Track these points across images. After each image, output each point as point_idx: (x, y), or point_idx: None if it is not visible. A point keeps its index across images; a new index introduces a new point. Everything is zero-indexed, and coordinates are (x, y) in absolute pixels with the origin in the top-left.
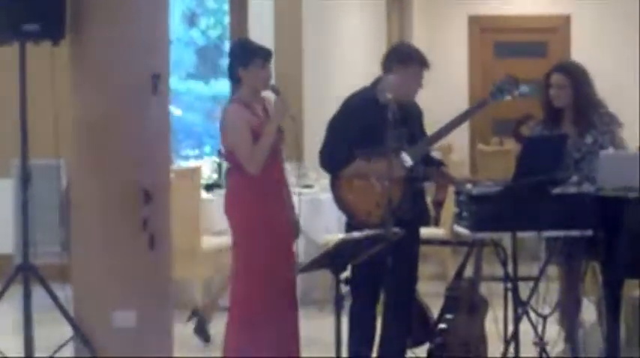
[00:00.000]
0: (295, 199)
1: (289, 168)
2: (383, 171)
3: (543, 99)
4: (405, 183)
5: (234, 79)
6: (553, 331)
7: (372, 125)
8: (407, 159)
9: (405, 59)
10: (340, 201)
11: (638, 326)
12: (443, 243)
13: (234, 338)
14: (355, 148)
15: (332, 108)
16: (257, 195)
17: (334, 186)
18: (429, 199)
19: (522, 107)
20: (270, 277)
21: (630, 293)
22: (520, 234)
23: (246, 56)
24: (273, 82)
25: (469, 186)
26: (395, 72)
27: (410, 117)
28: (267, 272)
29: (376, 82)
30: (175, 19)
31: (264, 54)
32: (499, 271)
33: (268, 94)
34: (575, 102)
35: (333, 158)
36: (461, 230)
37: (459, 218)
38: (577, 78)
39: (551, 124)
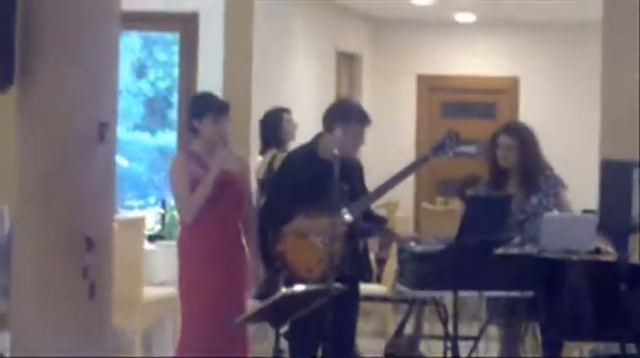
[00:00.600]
0: None
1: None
2: (323, 227)
3: (489, 160)
4: (346, 239)
5: (191, 130)
6: None
7: (313, 181)
8: (347, 215)
9: (346, 116)
10: (281, 258)
11: None
12: (384, 299)
13: None
14: (296, 205)
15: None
16: (193, 249)
17: (275, 243)
18: (371, 256)
19: (469, 167)
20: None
21: (570, 355)
22: (461, 293)
23: (200, 108)
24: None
25: (412, 243)
26: (336, 128)
27: (350, 172)
28: (200, 328)
29: (317, 138)
30: (125, 70)
31: (217, 107)
32: (439, 329)
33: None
34: (522, 164)
35: (275, 216)
36: (402, 287)
37: (400, 275)
38: (524, 139)
39: (497, 185)
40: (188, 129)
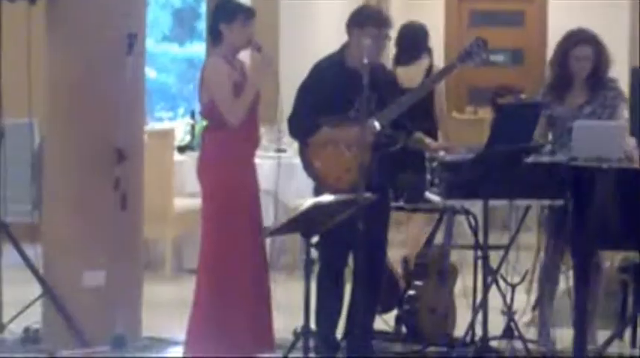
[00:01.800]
0: (270, 163)
1: (264, 130)
2: (350, 137)
3: (558, 65)
4: (374, 148)
5: (216, 36)
6: (521, 300)
7: (340, 91)
8: (375, 125)
9: (361, 22)
10: (309, 168)
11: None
12: (414, 209)
13: (204, 299)
14: (323, 114)
15: (308, 71)
16: (230, 155)
17: (303, 153)
18: None
19: (498, 76)
20: (239, 238)
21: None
22: (492, 203)
23: (229, 13)
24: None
25: (442, 152)
26: (353, 35)
27: (380, 82)
28: (235, 233)
29: (343, 48)
30: None
31: (247, 11)
32: (470, 239)
33: (245, 58)
34: (592, 75)
35: (302, 125)
36: (433, 197)
37: (430, 185)
38: (601, 51)
39: (560, 91)
40: (213, 35)
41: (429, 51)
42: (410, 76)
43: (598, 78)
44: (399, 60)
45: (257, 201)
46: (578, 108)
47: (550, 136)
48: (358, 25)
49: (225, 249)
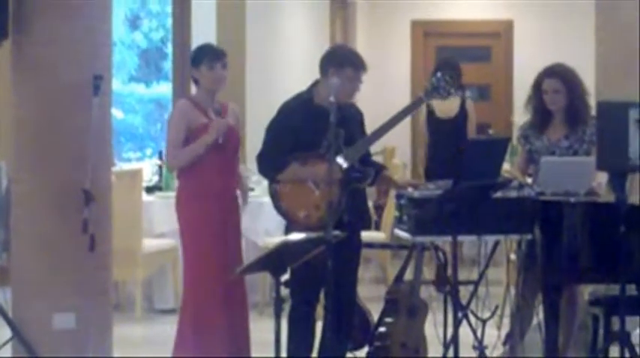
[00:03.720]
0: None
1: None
2: (318, 174)
3: (534, 102)
4: (342, 185)
5: (194, 81)
6: (492, 335)
7: (309, 128)
8: (343, 161)
9: (340, 62)
10: (278, 206)
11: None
12: (383, 246)
13: (185, 337)
14: (292, 152)
15: (274, 111)
16: (199, 190)
17: (272, 191)
18: (370, 203)
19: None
20: (215, 276)
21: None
22: (460, 238)
23: (196, 57)
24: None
25: (410, 189)
26: (331, 75)
27: (348, 119)
28: (212, 271)
29: (313, 86)
30: (118, 22)
31: (211, 54)
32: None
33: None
34: (568, 106)
35: (270, 163)
36: (401, 233)
37: (399, 221)
38: (570, 81)
39: (541, 127)
40: (193, 80)
41: (461, 86)
42: (445, 107)
43: (575, 112)
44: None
45: (232, 237)
46: (556, 142)
47: (530, 170)
48: (336, 65)
49: (204, 285)
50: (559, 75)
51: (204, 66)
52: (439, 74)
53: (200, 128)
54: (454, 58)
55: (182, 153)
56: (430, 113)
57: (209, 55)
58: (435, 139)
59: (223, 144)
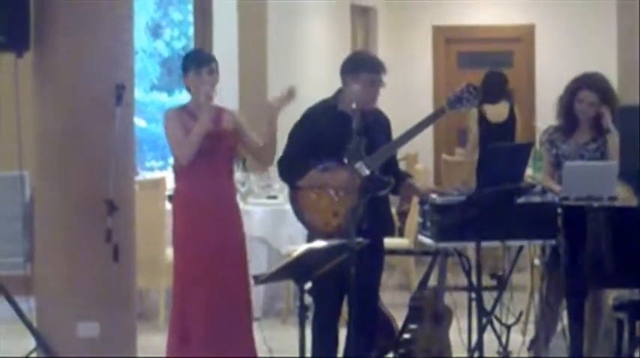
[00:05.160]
0: (261, 209)
1: (253, 179)
2: (338, 180)
3: (564, 107)
4: (362, 192)
5: (187, 90)
6: (517, 340)
7: (331, 135)
8: (363, 169)
9: (354, 68)
10: (299, 212)
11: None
12: (407, 252)
13: (174, 349)
14: (314, 159)
15: (296, 117)
16: (191, 200)
17: (293, 197)
18: (393, 209)
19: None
20: (209, 289)
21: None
22: (484, 244)
23: (184, 65)
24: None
25: (433, 196)
26: (349, 82)
27: (373, 126)
28: (204, 283)
29: (337, 93)
30: (140, 31)
31: (197, 60)
32: (463, 281)
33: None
34: (598, 118)
35: (291, 169)
36: (425, 240)
37: (422, 228)
38: (607, 97)
39: (569, 132)
40: (183, 90)
41: (509, 93)
42: (496, 112)
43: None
44: (486, 99)
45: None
46: (583, 146)
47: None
48: (352, 71)
49: (193, 299)
50: (600, 90)
51: (190, 72)
52: (463, 85)
53: (188, 130)
54: (500, 69)
55: (186, 142)
56: (482, 117)
57: (194, 60)
58: (486, 143)
59: (213, 149)
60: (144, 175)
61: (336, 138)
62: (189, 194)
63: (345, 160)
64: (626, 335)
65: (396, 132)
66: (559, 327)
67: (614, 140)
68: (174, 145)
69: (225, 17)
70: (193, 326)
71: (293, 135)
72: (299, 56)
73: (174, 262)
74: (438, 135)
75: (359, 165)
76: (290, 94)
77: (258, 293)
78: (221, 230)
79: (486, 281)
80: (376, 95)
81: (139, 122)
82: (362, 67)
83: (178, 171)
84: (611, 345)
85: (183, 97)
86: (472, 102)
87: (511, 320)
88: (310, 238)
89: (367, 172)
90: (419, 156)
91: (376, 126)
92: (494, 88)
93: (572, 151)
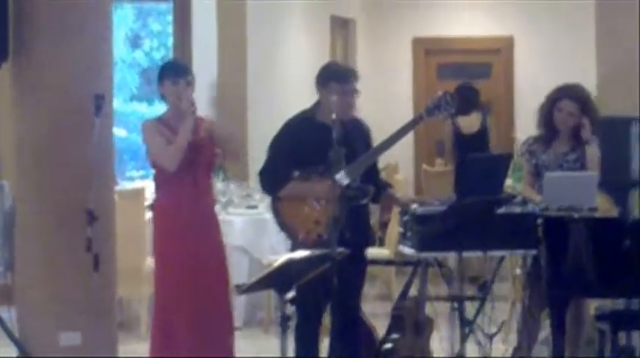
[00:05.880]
0: (241, 219)
1: (233, 188)
2: (318, 190)
3: (544, 117)
4: (342, 201)
5: (162, 99)
6: (499, 350)
7: (311, 145)
8: (343, 178)
9: (325, 79)
10: (280, 221)
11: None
12: (388, 263)
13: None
14: (294, 169)
15: (276, 128)
16: (170, 211)
17: (274, 207)
18: (373, 220)
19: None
20: (189, 299)
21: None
22: (465, 254)
23: (160, 74)
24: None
25: (414, 206)
26: (321, 92)
27: (353, 135)
28: (184, 293)
29: (316, 104)
30: (119, 41)
31: (174, 69)
32: (444, 290)
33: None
34: (578, 125)
35: (272, 179)
36: (406, 250)
37: (403, 238)
38: (587, 107)
39: (548, 141)
40: (160, 100)
41: (481, 104)
42: (468, 123)
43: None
44: (459, 111)
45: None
46: (562, 156)
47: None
48: (323, 82)
49: (171, 312)
50: (580, 100)
51: (167, 81)
52: (440, 93)
53: (168, 141)
54: (472, 82)
55: (171, 150)
56: (455, 128)
57: (171, 69)
58: (460, 153)
59: (192, 159)
60: (124, 185)
61: (316, 148)
62: (169, 204)
63: (323, 170)
64: (608, 346)
65: (376, 143)
66: (541, 336)
67: (592, 151)
68: (157, 155)
69: (204, 28)
70: (176, 336)
71: (273, 147)
72: (278, 67)
73: (155, 272)
74: (418, 145)
75: (339, 175)
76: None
77: (239, 303)
78: (200, 239)
79: (468, 289)
80: (350, 104)
81: (120, 132)
82: (331, 77)
83: (159, 182)
84: (593, 355)
85: (163, 107)
86: (449, 109)
87: (493, 330)
88: (294, 248)
89: (347, 182)
90: (399, 167)
91: (356, 136)
92: (466, 99)
93: (551, 161)
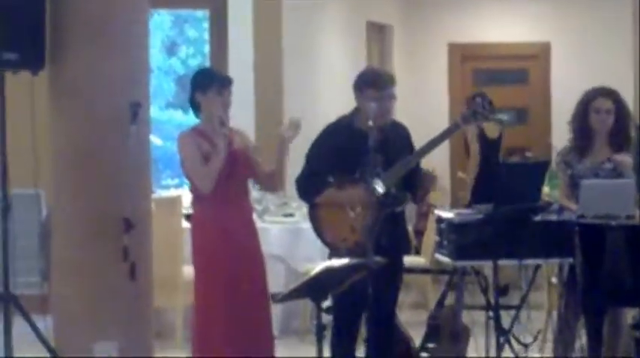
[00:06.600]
0: (277, 227)
1: (269, 197)
2: (354, 197)
3: (579, 123)
4: (378, 209)
5: (194, 106)
6: None
7: (349, 152)
8: (378, 186)
9: (361, 86)
10: (317, 228)
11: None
12: (424, 271)
13: None
14: (331, 175)
15: (313, 136)
16: (209, 224)
17: (311, 214)
18: (409, 227)
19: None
20: (231, 311)
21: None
22: (501, 262)
23: (204, 82)
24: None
25: (451, 215)
26: (358, 98)
27: (393, 140)
28: (226, 306)
29: (354, 111)
30: (155, 48)
31: (221, 80)
32: (481, 300)
33: (243, 129)
34: (615, 128)
35: (309, 186)
36: (442, 258)
37: (440, 246)
38: (621, 103)
39: (584, 149)
40: (192, 105)
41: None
42: (492, 127)
43: (620, 133)
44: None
45: (253, 271)
46: (599, 165)
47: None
48: (359, 88)
49: (216, 323)
50: (612, 95)
51: (212, 91)
52: (478, 99)
53: (206, 155)
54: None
55: (205, 174)
56: (481, 132)
57: (218, 80)
58: (484, 159)
59: (229, 171)
60: (160, 193)
61: (354, 155)
62: (207, 219)
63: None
64: None
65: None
66: (577, 345)
67: (624, 157)
68: (192, 174)
69: (240, 34)
70: (217, 347)
71: (310, 153)
72: (315, 73)
73: (196, 287)
74: (454, 152)
75: (375, 182)
76: (293, 126)
77: (275, 312)
78: (240, 251)
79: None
80: (388, 110)
81: (155, 140)
82: (368, 84)
83: (196, 196)
84: None
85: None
86: (486, 115)
87: (529, 339)
88: (332, 256)
89: (382, 189)
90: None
91: (396, 141)
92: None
93: (587, 171)
